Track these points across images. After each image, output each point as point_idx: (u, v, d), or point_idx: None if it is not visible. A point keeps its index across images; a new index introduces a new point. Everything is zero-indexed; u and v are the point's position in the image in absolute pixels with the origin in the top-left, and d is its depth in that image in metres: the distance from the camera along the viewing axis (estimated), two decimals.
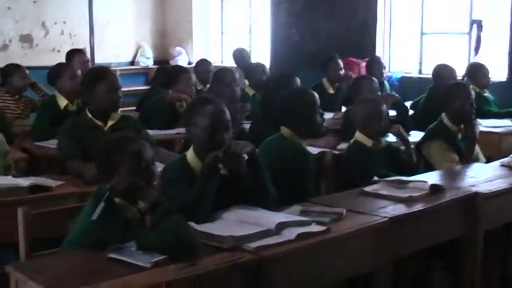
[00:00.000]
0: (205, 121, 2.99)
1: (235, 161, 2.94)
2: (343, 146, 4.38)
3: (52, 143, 4.59)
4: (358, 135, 4.04)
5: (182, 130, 4.32)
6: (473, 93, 4.43)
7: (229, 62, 8.70)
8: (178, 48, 9.74)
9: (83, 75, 4.42)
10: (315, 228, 2.80)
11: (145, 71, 9.85)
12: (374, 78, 5.48)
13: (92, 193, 2.75)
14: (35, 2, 8.76)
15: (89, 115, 4.06)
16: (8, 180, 3.47)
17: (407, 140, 4.22)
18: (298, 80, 4.81)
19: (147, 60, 9.83)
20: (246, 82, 6.60)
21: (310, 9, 8.40)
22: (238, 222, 2.77)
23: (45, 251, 2.85)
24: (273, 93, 3.97)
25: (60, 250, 2.72)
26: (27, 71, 6.09)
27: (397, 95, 5.59)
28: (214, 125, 2.99)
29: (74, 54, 6.54)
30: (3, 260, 3.17)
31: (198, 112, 3.02)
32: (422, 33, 8.08)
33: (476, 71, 6.24)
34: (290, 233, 2.69)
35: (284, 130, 3.62)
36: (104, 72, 4.11)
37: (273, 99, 3.84)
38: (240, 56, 7.93)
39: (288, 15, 8.61)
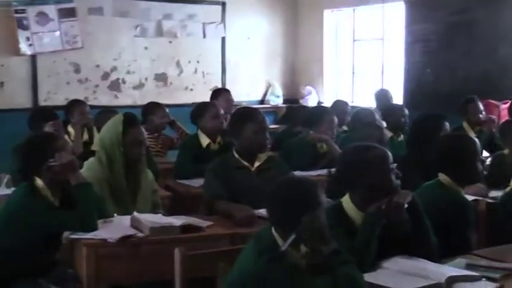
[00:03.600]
0: (382, 167, 2.91)
1: (398, 212, 2.84)
2: (495, 193, 4.19)
3: (195, 182, 4.66)
4: None
5: (323, 172, 4.28)
6: None
7: (360, 103, 8.62)
8: (308, 88, 9.73)
9: (231, 115, 4.45)
10: (486, 284, 2.65)
11: (274, 109, 9.90)
12: None
13: (253, 236, 2.71)
14: (170, 42, 9.03)
15: (236, 155, 4.07)
16: (160, 219, 3.51)
17: None
18: (447, 124, 4.65)
19: (276, 98, 9.88)
20: (384, 124, 6.47)
21: (446, 48, 8.17)
22: (402, 273, 2.67)
23: None
24: (424, 137, 3.82)
25: None
26: (166, 110, 6.24)
27: None
28: (389, 170, 2.90)
29: (220, 93, 6.68)
30: None
31: (369, 160, 2.93)
32: None
33: None
34: None
35: (442, 177, 3.47)
36: (252, 113, 4.13)
37: (423, 143, 3.69)
38: (383, 96, 7.77)
39: (423, 54, 8.42)
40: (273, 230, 2.62)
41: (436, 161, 3.53)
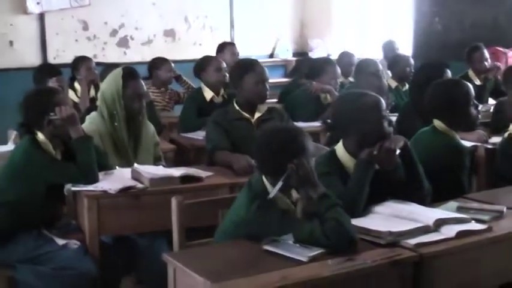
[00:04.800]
0: (375, 114, 2.91)
1: (389, 157, 2.86)
2: (495, 139, 4.19)
3: (199, 134, 4.71)
4: None
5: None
6: None
7: (369, 54, 8.55)
8: (317, 40, 9.68)
9: (231, 67, 4.47)
10: (475, 226, 2.68)
11: (284, 63, 9.87)
12: None
13: (244, 184, 2.76)
14: None
15: (237, 107, 4.10)
16: (160, 170, 3.56)
17: None
18: (449, 72, 4.63)
19: (286, 52, 9.84)
20: (389, 73, 6.46)
21: None
22: (393, 217, 2.71)
23: (196, 240, 2.92)
24: (425, 85, 3.82)
25: (214, 240, 2.77)
26: (172, 65, 6.26)
27: None
28: (382, 117, 2.92)
29: (225, 46, 6.69)
30: (158, 247, 3.29)
31: (361, 107, 2.93)
32: None
33: None
34: (449, 231, 2.59)
35: (437, 123, 3.48)
36: (251, 64, 4.14)
37: (424, 91, 3.69)
38: (390, 47, 7.75)
39: (432, 4, 8.34)
40: (263, 177, 2.67)
41: (430, 107, 3.54)
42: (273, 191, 2.55)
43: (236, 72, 4.17)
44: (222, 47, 6.70)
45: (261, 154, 2.68)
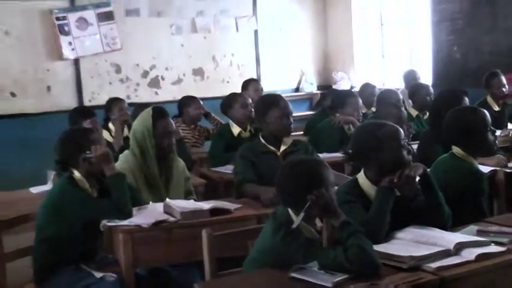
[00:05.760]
0: (393, 143, 2.95)
1: (409, 184, 2.89)
2: None
3: (228, 169, 4.76)
4: None
5: None
6: None
7: (391, 85, 8.57)
8: (340, 73, 9.73)
9: (255, 103, 4.53)
10: (494, 248, 2.67)
11: (309, 96, 9.94)
12: None
13: (270, 215, 2.80)
14: (205, 37, 9.11)
15: (262, 141, 4.15)
16: (191, 204, 3.61)
17: None
18: (467, 99, 4.65)
19: (310, 86, 9.90)
20: (410, 103, 6.47)
21: (471, 25, 8.09)
22: (414, 242, 2.71)
23: (227, 270, 2.95)
24: (443, 112, 3.84)
25: (243, 269, 2.79)
26: (201, 102, 6.35)
27: None
28: (400, 146, 2.96)
29: (249, 83, 6.77)
30: (191, 278, 3.32)
31: (380, 137, 2.98)
32: None
33: None
34: (469, 254, 2.59)
35: (456, 149, 3.50)
36: (275, 99, 4.19)
37: (442, 119, 3.71)
38: (411, 77, 7.76)
39: (449, 33, 8.35)
40: (288, 208, 2.71)
41: (448, 134, 3.56)
42: (296, 221, 2.59)
43: (260, 107, 4.22)
44: (247, 84, 6.80)
45: (283, 186, 2.73)
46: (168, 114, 3.96)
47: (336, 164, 4.78)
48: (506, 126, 5.97)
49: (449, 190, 3.14)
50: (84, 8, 8.22)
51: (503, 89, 6.28)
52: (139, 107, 5.13)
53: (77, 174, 3.43)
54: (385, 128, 3.04)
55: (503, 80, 6.34)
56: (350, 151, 3.16)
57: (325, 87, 9.81)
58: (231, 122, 5.41)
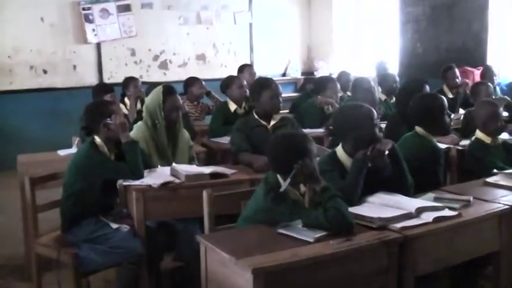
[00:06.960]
0: (368, 122, 2.93)
1: (380, 157, 2.87)
2: (465, 142, 4.16)
3: (225, 139, 4.71)
4: (479, 134, 3.81)
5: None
6: None
7: (364, 73, 8.52)
8: (321, 62, 9.68)
9: (251, 85, 4.48)
10: (448, 212, 2.68)
11: (294, 81, 9.89)
12: (490, 84, 5.20)
13: (262, 180, 2.77)
14: (208, 28, 9.02)
15: (256, 116, 4.11)
16: (194, 169, 3.58)
17: None
18: (427, 87, 4.62)
19: (295, 72, 9.85)
20: (379, 89, 6.43)
21: (432, 26, 8.07)
22: (383, 206, 2.71)
23: (223, 225, 2.93)
24: (408, 98, 3.81)
25: (236, 225, 2.78)
26: (203, 82, 6.28)
27: (508, 98, 5.27)
28: (374, 125, 2.93)
29: (245, 67, 6.70)
30: (192, 231, 3.30)
31: (357, 117, 2.95)
32: None
33: None
34: (428, 216, 2.60)
35: (418, 129, 3.48)
36: (268, 82, 4.15)
37: (408, 103, 3.69)
38: (381, 67, 7.71)
39: (414, 32, 8.33)
40: (277, 174, 2.68)
41: (412, 116, 3.54)
42: (283, 185, 2.56)
43: (255, 88, 4.17)
44: (242, 68, 6.69)
45: (273, 155, 2.70)
46: (176, 92, 3.90)
47: (317, 138, 4.74)
48: (458, 111, 5.96)
49: (412, 162, 3.13)
50: (106, 0, 8.11)
51: (457, 80, 6.29)
52: (152, 85, 5.05)
53: (97, 139, 3.38)
54: (362, 109, 3.01)
55: (457, 72, 6.36)
56: (331, 127, 3.12)
57: (308, 73, 9.77)
58: (228, 100, 5.36)
